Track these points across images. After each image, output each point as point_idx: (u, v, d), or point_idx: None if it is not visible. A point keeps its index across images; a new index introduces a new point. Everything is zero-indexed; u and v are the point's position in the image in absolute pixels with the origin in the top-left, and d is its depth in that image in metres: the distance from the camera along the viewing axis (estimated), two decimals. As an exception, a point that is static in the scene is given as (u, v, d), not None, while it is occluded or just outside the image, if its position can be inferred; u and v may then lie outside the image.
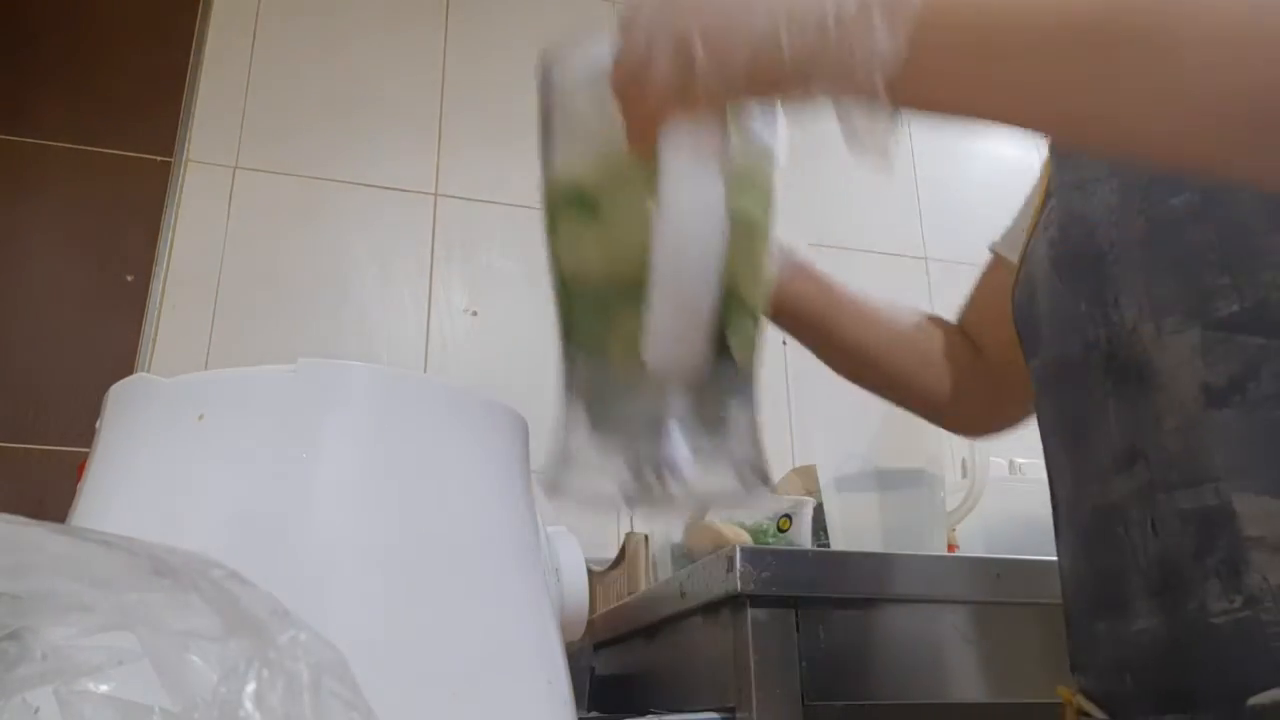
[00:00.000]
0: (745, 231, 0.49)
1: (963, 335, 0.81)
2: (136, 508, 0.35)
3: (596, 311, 0.50)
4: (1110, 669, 0.56)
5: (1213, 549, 0.49)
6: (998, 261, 0.80)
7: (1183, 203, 0.53)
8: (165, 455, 0.36)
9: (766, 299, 0.53)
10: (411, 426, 0.39)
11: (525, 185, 1.77)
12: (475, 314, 1.62)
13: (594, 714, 0.99)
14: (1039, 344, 0.64)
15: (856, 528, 0.92)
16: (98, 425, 0.40)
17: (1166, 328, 0.52)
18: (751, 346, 0.51)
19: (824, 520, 0.99)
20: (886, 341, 0.79)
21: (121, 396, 0.40)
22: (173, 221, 1.61)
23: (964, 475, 1.00)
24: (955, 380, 0.79)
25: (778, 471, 1.34)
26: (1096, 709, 0.56)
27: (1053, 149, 0.66)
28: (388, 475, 0.37)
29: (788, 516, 1.03)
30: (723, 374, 0.48)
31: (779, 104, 0.45)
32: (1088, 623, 0.58)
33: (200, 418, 0.36)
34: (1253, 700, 0.46)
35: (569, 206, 0.50)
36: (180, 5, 1.74)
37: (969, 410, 0.80)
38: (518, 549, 0.41)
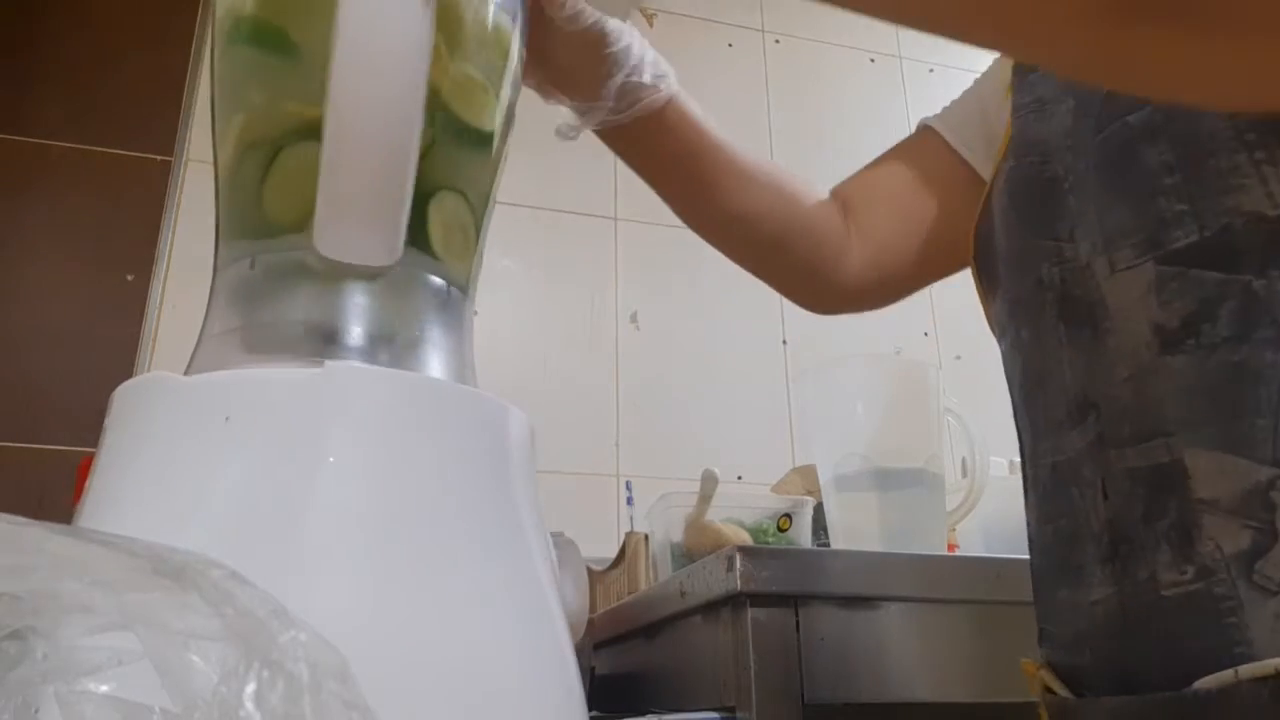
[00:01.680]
0: (467, 83, 0.42)
1: (834, 203, 0.76)
2: (149, 508, 0.35)
3: (254, 168, 0.42)
4: (1071, 641, 0.51)
5: (1163, 512, 0.44)
6: (924, 137, 0.74)
7: (1139, 120, 0.46)
8: (188, 456, 0.36)
9: (496, 172, 0.46)
10: (432, 431, 0.39)
11: (525, 185, 1.78)
12: (475, 314, 1.62)
13: (594, 714, 0.99)
14: (998, 284, 0.58)
15: (856, 527, 0.92)
16: (106, 423, 0.40)
17: (1119, 263, 0.46)
18: (464, 233, 0.45)
19: (824, 520, 0.99)
20: (767, 207, 0.73)
21: (136, 395, 0.39)
22: (173, 221, 1.61)
23: (964, 475, 1.00)
24: (823, 254, 0.74)
25: (778, 472, 1.34)
26: (1061, 685, 0.52)
27: (1015, 70, 0.60)
28: (406, 480, 0.37)
29: (788, 516, 1.03)
30: (416, 273, 0.41)
31: None
32: (1050, 590, 0.54)
33: (227, 419, 0.36)
34: (1199, 684, 0.40)
35: (252, 38, 0.42)
36: (180, 6, 1.74)
37: (827, 285, 0.75)
38: (534, 556, 0.41)
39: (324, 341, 0.40)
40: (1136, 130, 0.46)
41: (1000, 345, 0.62)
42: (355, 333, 0.40)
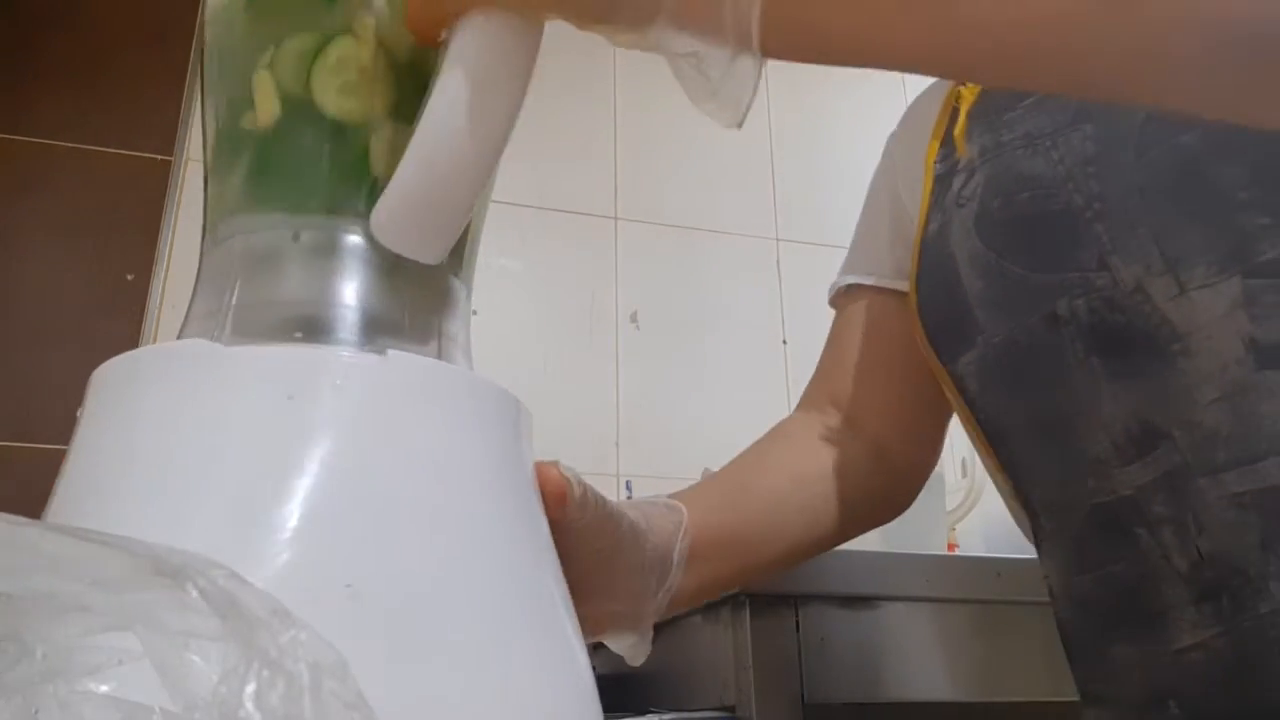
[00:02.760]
0: None
1: (838, 429, 0.67)
2: (146, 493, 0.34)
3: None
4: (1145, 699, 0.47)
5: None
6: (851, 298, 0.68)
7: (1196, 139, 0.45)
8: (251, 435, 0.34)
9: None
10: (445, 419, 0.38)
11: (525, 185, 1.78)
12: (475, 314, 1.63)
13: (594, 714, 0.99)
14: (972, 334, 0.55)
15: (856, 527, 0.92)
16: (87, 404, 0.39)
17: (1191, 282, 0.45)
18: (478, 216, 0.47)
19: (824, 520, 0.99)
20: (813, 523, 0.63)
21: (124, 370, 0.38)
22: (173, 221, 1.61)
23: (964, 475, 1.00)
24: (873, 495, 0.66)
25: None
26: None
27: (974, 114, 0.58)
28: (438, 475, 0.36)
29: (788, 516, 1.03)
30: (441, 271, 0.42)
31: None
32: (1102, 646, 0.50)
33: (290, 398, 0.34)
34: None
35: None
36: (180, 5, 1.74)
37: (895, 503, 0.69)
38: (551, 549, 0.41)
39: (320, 325, 0.39)
40: (1196, 150, 0.45)
41: (977, 395, 0.57)
42: (355, 317, 0.39)
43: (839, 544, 0.67)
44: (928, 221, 0.59)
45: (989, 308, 0.54)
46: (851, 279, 0.68)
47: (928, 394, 0.65)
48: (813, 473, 0.64)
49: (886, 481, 0.67)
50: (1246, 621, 0.42)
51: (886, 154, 0.71)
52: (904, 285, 0.64)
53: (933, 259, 0.58)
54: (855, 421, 0.67)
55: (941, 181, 0.59)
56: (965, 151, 0.58)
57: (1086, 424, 0.49)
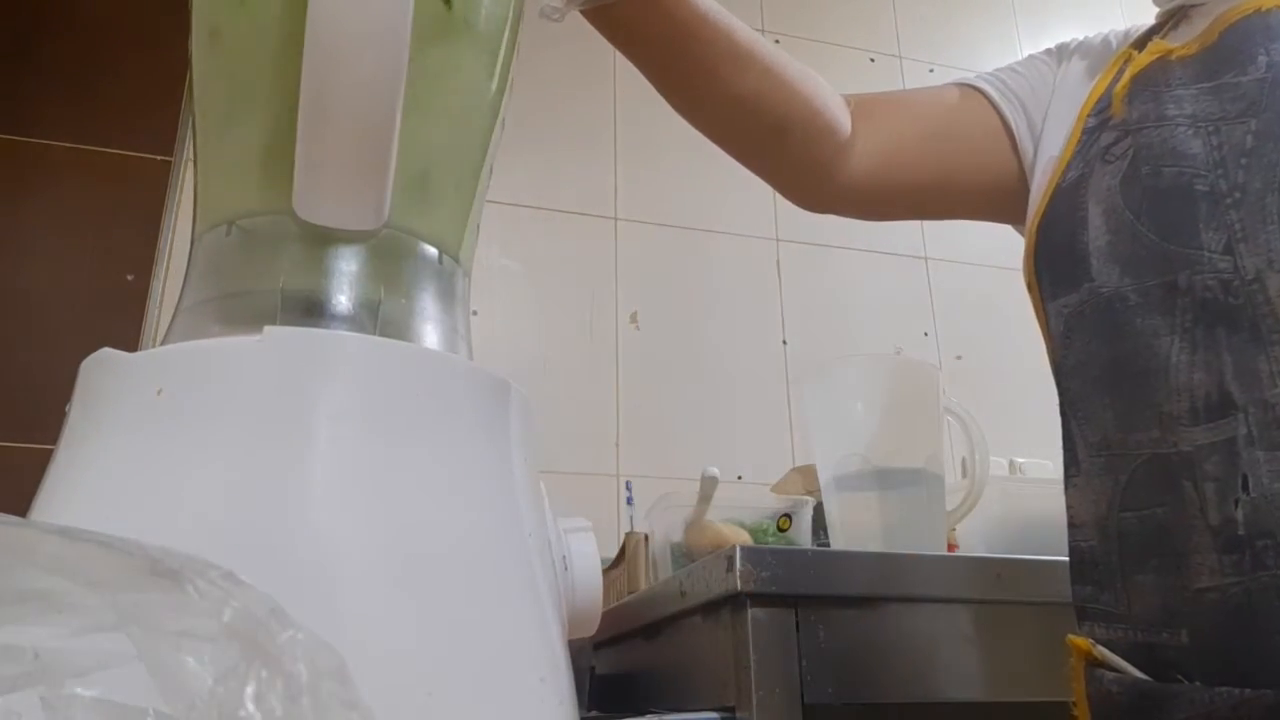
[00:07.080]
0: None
1: (846, 102, 0.75)
2: (98, 493, 0.33)
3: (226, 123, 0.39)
4: (1159, 622, 0.52)
5: None
6: (961, 87, 0.75)
7: None
8: (126, 436, 0.34)
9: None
10: (396, 399, 0.36)
11: (525, 185, 1.78)
12: (475, 313, 1.63)
13: (594, 714, 0.99)
14: (1080, 280, 0.60)
15: (856, 527, 0.92)
16: (66, 408, 0.38)
17: None
18: (457, 189, 0.43)
19: (824, 520, 0.99)
20: (767, 92, 0.70)
21: (89, 374, 0.37)
22: (173, 221, 1.61)
23: (964, 475, 0.99)
24: (823, 148, 0.73)
25: (778, 471, 1.34)
26: (1123, 661, 0.54)
27: (1140, 79, 0.62)
28: (366, 455, 0.34)
29: (788, 516, 1.03)
30: (403, 239, 0.39)
31: None
32: (1129, 573, 0.55)
33: (159, 392, 0.33)
34: None
35: None
36: (180, 5, 1.74)
37: (823, 181, 0.75)
38: (512, 535, 0.38)
39: (302, 310, 0.37)
40: None
41: (1061, 335, 0.62)
42: (335, 301, 0.38)
43: (761, 156, 0.75)
44: (1067, 169, 0.63)
45: (1108, 261, 0.58)
46: (978, 83, 0.75)
47: (930, 167, 0.73)
48: (793, 75, 0.71)
49: (834, 154, 0.73)
50: (1265, 576, 0.48)
51: (1063, 52, 0.75)
52: (1011, 112, 0.72)
53: (1063, 205, 0.62)
54: (867, 112, 0.75)
55: (1090, 134, 0.63)
56: (1121, 111, 0.61)
57: (1166, 382, 0.54)
